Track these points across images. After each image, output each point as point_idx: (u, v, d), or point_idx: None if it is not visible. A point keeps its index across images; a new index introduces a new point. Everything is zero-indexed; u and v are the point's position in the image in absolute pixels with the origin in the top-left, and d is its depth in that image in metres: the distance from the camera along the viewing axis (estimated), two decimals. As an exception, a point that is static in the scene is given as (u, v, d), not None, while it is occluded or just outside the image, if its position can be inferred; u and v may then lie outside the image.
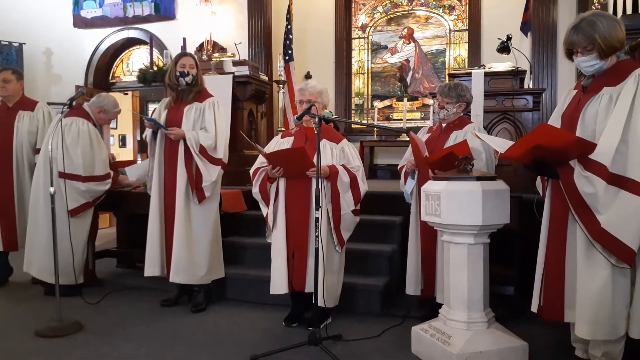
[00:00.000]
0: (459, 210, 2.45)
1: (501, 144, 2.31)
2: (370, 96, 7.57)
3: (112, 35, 7.66)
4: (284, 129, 6.08)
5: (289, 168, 2.99)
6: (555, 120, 2.34)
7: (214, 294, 3.64)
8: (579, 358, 2.35)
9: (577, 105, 2.20)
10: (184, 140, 3.38)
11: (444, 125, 3.22)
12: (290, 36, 6.84)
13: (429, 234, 3.09)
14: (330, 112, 6.96)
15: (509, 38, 4.49)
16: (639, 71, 2.04)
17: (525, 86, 4.38)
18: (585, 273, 2.08)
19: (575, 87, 2.33)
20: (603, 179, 1.98)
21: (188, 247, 3.39)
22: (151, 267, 3.49)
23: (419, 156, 3.01)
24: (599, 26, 2.09)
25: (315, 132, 2.71)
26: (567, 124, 2.23)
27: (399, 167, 3.39)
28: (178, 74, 3.46)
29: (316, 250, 2.63)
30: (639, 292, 2.06)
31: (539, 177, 2.42)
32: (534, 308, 2.34)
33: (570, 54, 2.23)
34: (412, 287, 3.25)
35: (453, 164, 2.66)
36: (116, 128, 9.28)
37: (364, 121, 7.52)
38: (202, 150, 3.39)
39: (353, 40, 7.61)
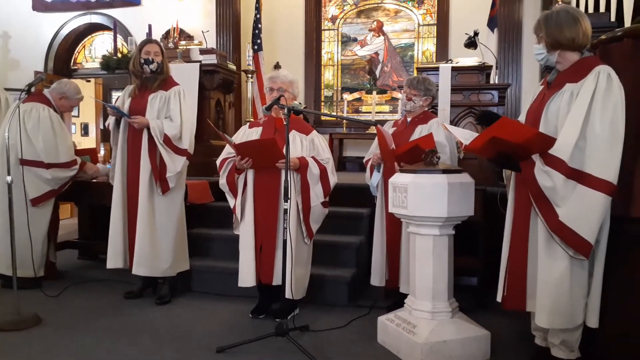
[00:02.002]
0: (425, 202, 2.48)
1: (467, 136, 2.35)
2: (339, 88, 7.57)
3: (73, 20, 7.40)
4: (252, 120, 6.01)
5: (258, 159, 2.96)
6: (523, 117, 2.39)
7: (179, 286, 3.59)
8: (538, 346, 2.42)
9: (541, 101, 2.25)
10: (148, 129, 3.30)
11: (409, 119, 3.26)
12: (260, 25, 6.76)
13: (394, 226, 3.13)
14: (300, 103, 6.93)
15: (476, 33, 4.56)
16: (599, 68, 2.10)
17: (491, 81, 4.47)
18: (545, 264, 2.14)
19: (541, 82, 2.39)
20: (562, 173, 2.03)
21: (151, 239, 3.33)
22: (113, 259, 3.41)
23: (385, 149, 3.03)
24: (552, 19, 2.18)
25: (285, 123, 2.69)
26: (532, 119, 2.28)
27: (364, 161, 3.41)
28: (142, 61, 3.38)
29: (284, 242, 2.62)
30: (596, 283, 2.14)
31: (507, 171, 2.46)
32: (499, 298, 2.40)
33: None
34: (377, 278, 3.29)
35: (419, 156, 2.70)
36: (78, 116, 9.01)
37: (334, 113, 7.52)
38: (167, 140, 3.32)
39: (323, 31, 7.58)
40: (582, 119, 2.03)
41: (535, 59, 2.30)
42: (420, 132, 3.13)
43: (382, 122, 3.43)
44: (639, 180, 2.12)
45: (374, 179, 3.28)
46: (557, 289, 2.10)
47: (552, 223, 2.08)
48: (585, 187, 2.02)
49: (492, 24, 6.09)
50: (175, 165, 3.34)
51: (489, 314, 3.01)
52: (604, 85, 2.05)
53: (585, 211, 2.03)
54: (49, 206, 3.76)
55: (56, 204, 3.93)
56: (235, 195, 3.12)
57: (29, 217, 3.35)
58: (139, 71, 3.42)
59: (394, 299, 3.23)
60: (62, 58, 7.63)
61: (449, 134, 3.14)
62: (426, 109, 3.26)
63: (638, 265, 2.11)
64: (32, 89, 3.28)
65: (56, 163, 3.68)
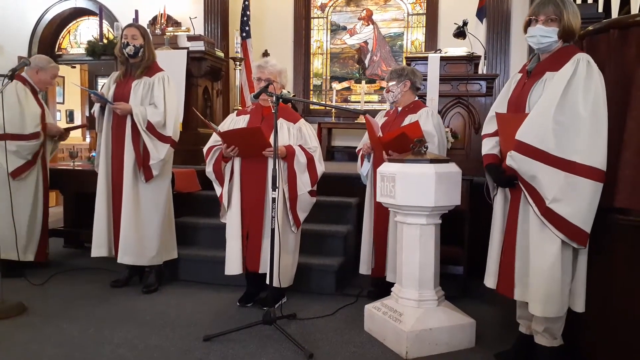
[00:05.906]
0: (412, 192, 2.49)
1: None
2: (328, 77, 7.53)
3: (58, 4, 7.25)
4: (240, 108, 5.97)
5: (244, 147, 2.94)
6: (500, 104, 2.38)
7: (166, 274, 3.58)
8: (522, 334, 2.45)
9: (522, 90, 2.25)
10: (132, 115, 3.26)
11: (399, 109, 3.26)
12: (248, 12, 6.68)
13: (382, 215, 3.15)
14: (289, 92, 6.89)
15: (465, 23, 4.55)
16: (578, 56, 2.10)
17: (480, 71, 4.47)
18: (539, 252, 2.13)
19: (520, 70, 2.38)
20: (543, 162, 2.05)
21: (136, 227, 3.30)
22: (98, 248, 3.39)
23: (373, 137, 3.04)
24: (570, 5, 2.14)
25: (273, 111, 2.67)
26: (513, 108, 2.28)
27: (357, 150, 3.41)
28: (122, 45, 3.33)
29: (272, 230, 2.61)
30: (580, 268, 2.15)
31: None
32: (491, 284, 2.39)
33: (528, 25, 2.22)
34: (365, 266, 3.31)
35: (406, 144, 2.70)
36: (63, 103, 8.89)
37: (322, 102, 7.49)
38: (150, 127, 3.27)
39: (312, 19, 7.52)
40: (555, 104, 2.03)
41: (535, 42, 2.18)
42: (410, 121, 3.13)
43: (371, 112, 3.43)
44: (622, 172, 2.13)
45: (364, 168, 3.31)
46: (550, 277, 2.10)
47: (541, 208, 2.08)
48: (575, 176, 2.03)
49: (480, 14, 6.09)
50: (159, 152, 3.30)
51: (474, 303, 3.04)
52: (584, 72, 2.05)
53: (575, 199, 2.03)
54: (31, 184, 3.69)
55: (46, 192, 3.88)
56: (222, 184, 3.10)
57: (12, 197, 3.28)
58: (123, 57, 3.37)
59: (380, 287, 3.24)
60: (47, 43, 7.48)
61: (438, 123, 3.15)
62: (415, 98, 3.26)
63: (619, 252, 2.14)
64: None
65: (20, 135, 3.58)
